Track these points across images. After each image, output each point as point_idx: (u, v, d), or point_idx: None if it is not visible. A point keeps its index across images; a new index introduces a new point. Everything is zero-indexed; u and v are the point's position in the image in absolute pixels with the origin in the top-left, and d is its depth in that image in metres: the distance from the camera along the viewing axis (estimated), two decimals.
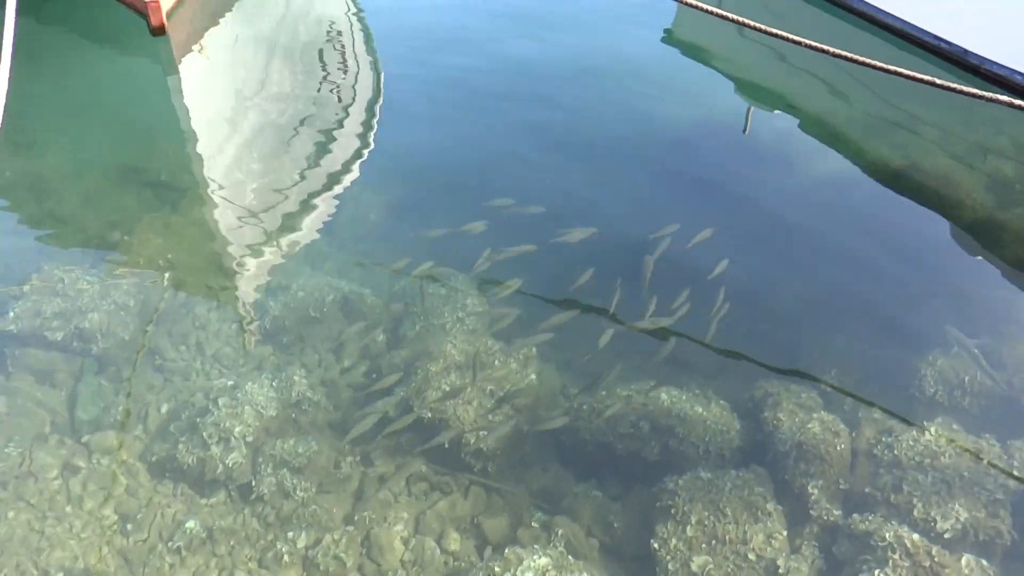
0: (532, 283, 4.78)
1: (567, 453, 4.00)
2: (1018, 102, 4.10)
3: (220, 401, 4.05)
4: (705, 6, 4.71)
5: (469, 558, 3.61)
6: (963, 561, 3.17)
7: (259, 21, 7.96)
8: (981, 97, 4.04)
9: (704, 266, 4.72)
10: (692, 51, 7.71)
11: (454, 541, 3.69)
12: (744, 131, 6.30)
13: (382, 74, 7.06)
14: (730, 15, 4.61)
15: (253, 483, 3.79)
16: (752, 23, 4.59)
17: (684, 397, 4.00)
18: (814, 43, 4.41)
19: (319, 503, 3.72)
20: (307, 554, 3.56)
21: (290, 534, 3.61)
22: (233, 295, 4.76)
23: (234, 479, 3.82)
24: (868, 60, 4.39)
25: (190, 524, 3.63)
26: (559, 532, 3.59)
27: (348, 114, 6.48)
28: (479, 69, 7.15)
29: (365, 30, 7.95)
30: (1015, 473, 3.54)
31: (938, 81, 4.17)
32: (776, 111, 6.75)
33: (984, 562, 3.18)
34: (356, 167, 5.82)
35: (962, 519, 3.36)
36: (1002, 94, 4.08)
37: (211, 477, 3.82)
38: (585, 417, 4.01)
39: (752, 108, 6.67)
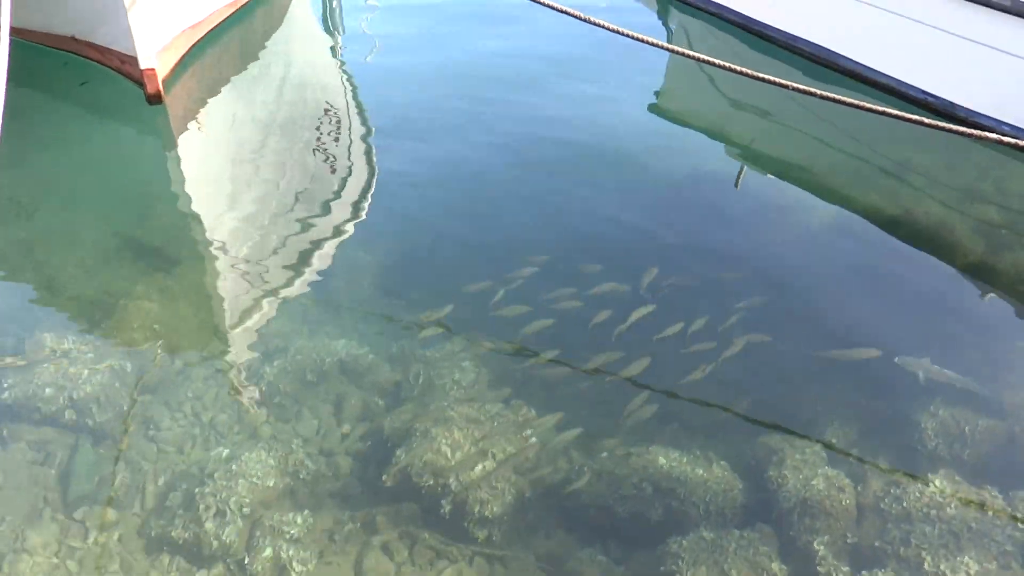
0: (530, 335, 4.79)
1: (570, 517, 3.95)
2: (1007, 139, 4.24)
3: (216, 474, 4.00)
4: (696, 54, 4.80)
5: None
6: None
7: (257, 92, 8.10)
8: (970, 136, 4.22)
9: (700, 322, 4.73)
10: (680, 116, 7.80)
11: None
12: (736, 186, 6.38)
13: (374, 148, 7.15)
14: (723, 63, 4.71)
15: (247, 560, 3.73)
16: (746, 70, 4.68)
17: (685, 459, 3.97)
18: (805, 87, 4.51)
19: (318, 575, 3.66)
20: None
21: None
22: (228, 361, 4.74)
23: (231, 554, 3.75)
24: (860, 103, 4.51)
25: None
26: None
27: (342, 184, 6.55)
28: (466, 146, 7.21)
29: (358, 103, 8.08)
30: (1020, 524, 3.50)
31: (927, 121, 4.32)
32: (767, 171, 6.82)
33: None
34: (351, 234, 5.86)
35: (972, 572, 3.32)
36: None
37: (208, 552, 3.75)
38: (588, 480, 3.97)
39: (744, 167, 6.75)
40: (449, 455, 4.08)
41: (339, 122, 7.64)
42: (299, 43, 9.67)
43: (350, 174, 6.75)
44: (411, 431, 4.25)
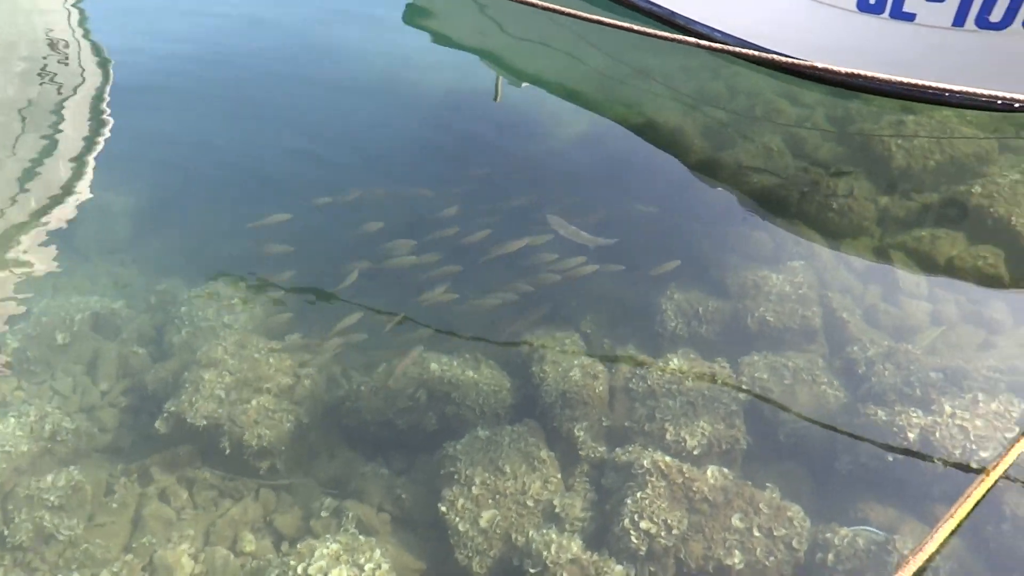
0: (299, 273, 4.75)
1: (352, 437, 4.05)
2: (716, 46, 4.68)
3: None
4: None
5: (266, 556, 3.59)
6: (708, 472, 3.59)
7: None
8: (688, 43, 4.67)
9: (463, 234, 4.90)
10: (434, 27, 7.81)
11: (249, 543, 3.66)
12: (496, 99, 6.54)
13: (111, 63, 6.57)
14: None
15: (6, 532, 3.52)
16: None
17: (456, 363, 4.17)
18: (553, 5, 4.71)
19: (90, 538, 3.53)
20: None
21: None
22: None
23: None
24: (598, 18, 4.80)
25: None
26: (349, 515, 3.66)
27: (74, 114, 5.99)
28: (216, 60, 6.85)
29: (86, 30, 7.33)
30: (744, 386, 4.03)
31: (659, 33, 4.69)
32: (523, 81, 7.04)
33: (726, 470, 3.62)
34: (92, 170, 5.42)
35: (706, 434, 3.79)
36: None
37: None
38: (365, 397, 4.07)
39: (500, 78, 6.91)
40: (223, 396, 4.02)
41: (67, 50, 6.94)
42: None
43: (79, 98, 6.18)
44: (181, 379, 4.13)
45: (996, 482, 3.28)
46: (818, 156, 5.71)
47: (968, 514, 3.19)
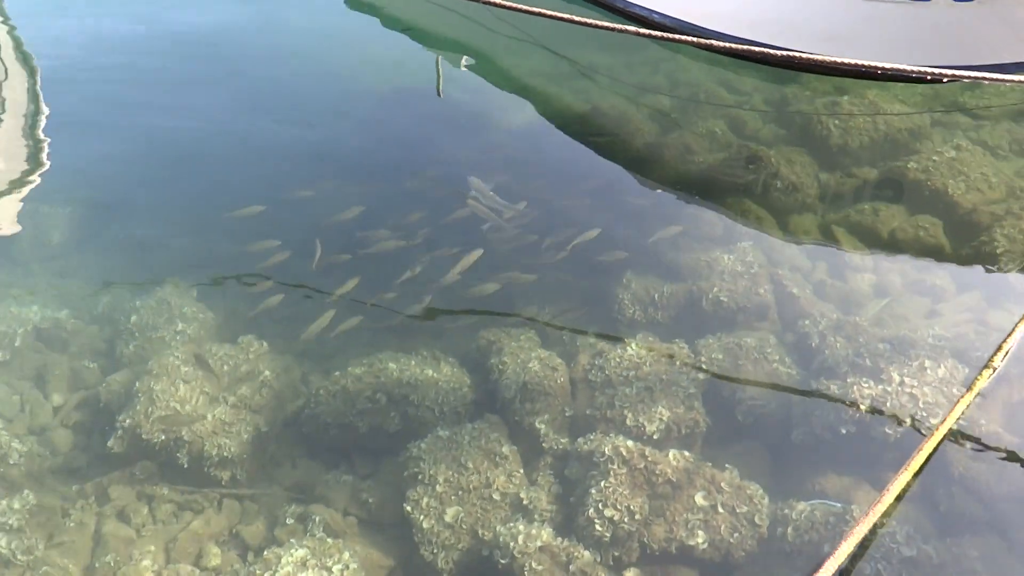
0: (248, 271, 4.71)
1: (313, 443, 4.02)
2: (656, 34, 4.74)
3: None
4: None
5: (232, 566, 3.55)
6: (670, 456, 3.65)
7: None
8: (627, 31, 4.71)
9: (411, 232, 4.90)
10: (378, 14, 7.76)
11: (215, 556, 3.61)
12: (438, 94, 6.52)
13: (39, 85, 6.39)
14: None
15: None
16: None
17: (414, 362, 4.16)
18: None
19: (50, 561, 3.46)
20: None
21: None
22: None
23: None
24: (540, 10, 4.80)
25: None
26: (316, 519, 3.64)
27: (7, 127, 5.83)
28: (151, 57, 6.71)
29: (14, 39, 7.12)
30: (703, 367, 4.10)
31: (591, 21, 4.72)
32: (467, 71, 7.03)
33: (686, 452, 3.68)
34: (27, 185, 5.27)
35: (665, 418, 3.84)
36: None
37: None
38: (325, 402, 4.04)
39: (443, 69, 6.89)
40: (179, 408, 3.96)
41: None
42: None
43: (15, 115, 6.01)
44: (133, 391, 4.05)
45: (944, 438, 3.38)
46: (760, 137, 5.81)
47: (917, 473, 3.29)
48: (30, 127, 5.87)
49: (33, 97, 6.28)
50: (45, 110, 6.15)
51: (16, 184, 5.31)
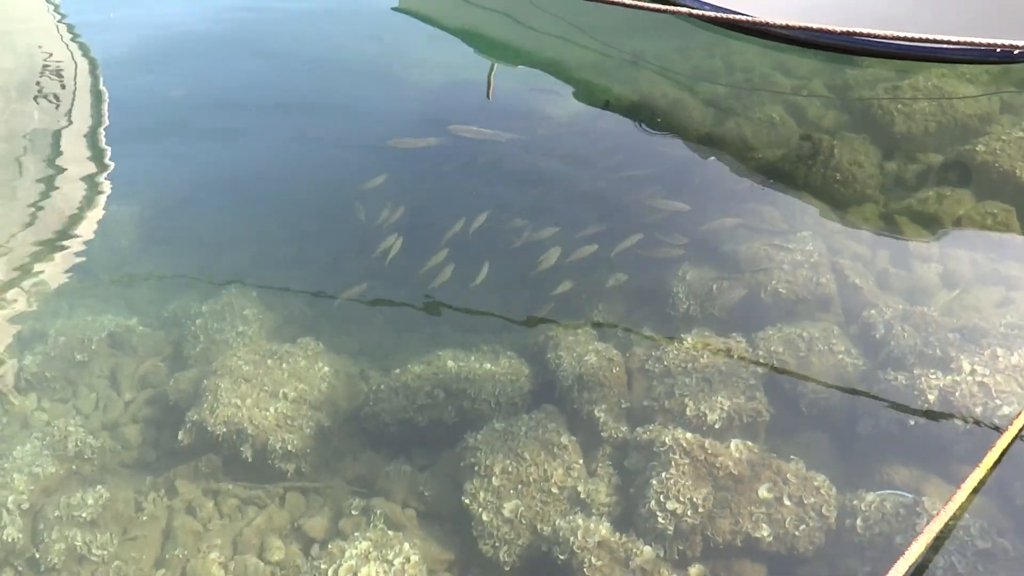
0: (305, 278, 4.78)
1: (373, 437, 4.07)
2: (708, 14, 4.64)
3: None
4: None
5: (295, 562, 3.61)
6: (732, 446, 3.59)
7: None
8: (679, 13, 4.61)
9: (466, 228, 4.93)
10: (426, 18, 7.83)
11: (277, 550, 3.68)
12: (487, 95, 6.53)
13: (106, 99, 6.60)
14: None
15: (37, 555, 3.55)
16: None
17: (472, 357, 4.18)
18: None
19: (123, 555, 3.56)
20: None
21: None
22: None
23: (18, 553, 3.55)
24: None
25: None
26: (377, 512, 3.67)
27: (72, 144, 6.02)
28: (213, 78, 6.87)
29: (84, 50, 7.37)
30: (761, 360, 4.02)
31: (642, 4, 4.67)
32: (517, 67, 7.04)
33: (749, 443, 3.61)
34: (94, 195, 5.45)
35: (726, 408, 3.78)
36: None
37: None
38: (385, 399, 4.08)
39: (495, 68, 6.91)
40: (240, 403, 4.03)
41: (61, 70, 6.97)
42: None
43: (84, 124, 6.21)
44: (199, 389, 4.15)
45: (1021, 431, 3.26)
46: (821, 125, 5.68)
47: (992, 469, 3.17)
48: (93, 132, 6.06)
49: (97, 100, 6.48)
50: (107, 116, 6.34)
51: (89, 190, 5.49)
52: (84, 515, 3.63)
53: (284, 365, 4.25)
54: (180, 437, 3.98)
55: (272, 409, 4.02)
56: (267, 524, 3.76)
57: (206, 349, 4.41)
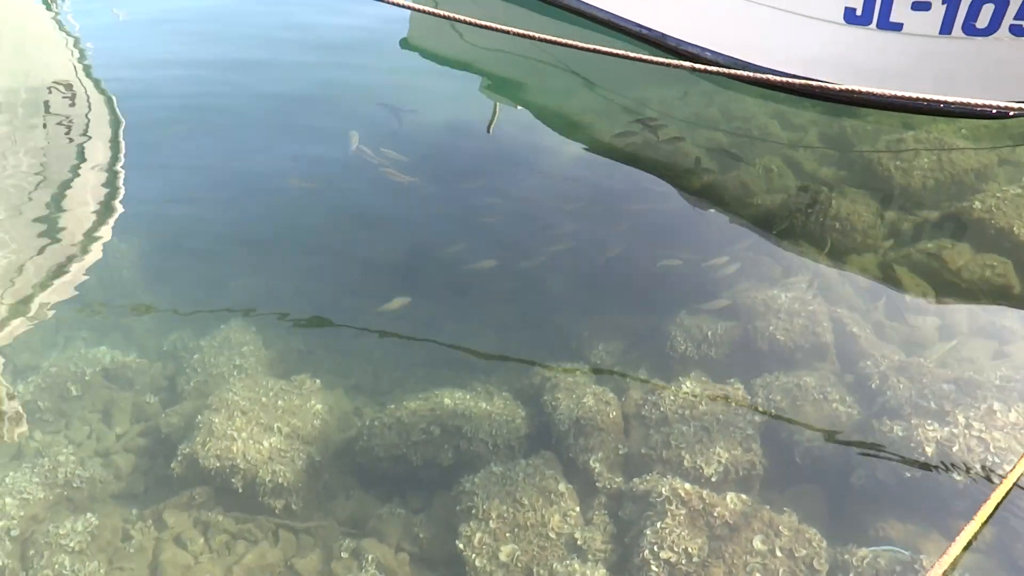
0: (305, 309, 4.78)
1: (367, 474, 4.04)
2: (711, 69, 4.71)
3: None
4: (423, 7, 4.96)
5: None
6: (727, 499, 3.57)
7: None
8: (682, 67, 4.69)
9: (465, 267, 4.94)
10: (431, 57, 7.93)
11: None
12: (488, 131, 6.60)
13: (120, 125, 6.64)
14: (452, 15, 4.97)
15: None
16: (481, 22, 4.91)
17: (468, 396, 4.17)
18: (544, 36, 4.79)
19: None
20: None
21: None
22: None
23: None
24: (590, 45, 4.84)
25: None
26: (369, 556, 3.63)
27: (80, 168, 6.04)
28: (215, 114, 6.91)
29: (91, 75, 7.42)
30: (759, 408, 4.02)
31: (647, 57, 4.75)
32: (518, 108, 7.12)
33: (744, 496, 3.60)
34: (99, 222, 5.45)
35: (723, 460, 3.77)
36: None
37: None
38: (379, 434, 4.06)
39: (497, 107, 6.99)
40: (235, 436, 4.01)
41: (72, 97, 7.01)
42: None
43: (90, 157, 6.23)
44: (192, 423, 4.13)
45: (1015, 484, 3.26)
46: (818, 176, 5.74)
47: (987, 521, 3.17)
48: (111, 164, 6.08)
49: (115, 133, 6.51)
50: (124, 147, 6.37)
51: (89, 226, 5.48)
52: (72, 543, 3.59)
53: (280, 401, 4.23)
54: (173, 466, 3.95)
55: (266, 443, 3.99)
56: (259, 562, 3.70)
57: (202, 383, 4.39)
